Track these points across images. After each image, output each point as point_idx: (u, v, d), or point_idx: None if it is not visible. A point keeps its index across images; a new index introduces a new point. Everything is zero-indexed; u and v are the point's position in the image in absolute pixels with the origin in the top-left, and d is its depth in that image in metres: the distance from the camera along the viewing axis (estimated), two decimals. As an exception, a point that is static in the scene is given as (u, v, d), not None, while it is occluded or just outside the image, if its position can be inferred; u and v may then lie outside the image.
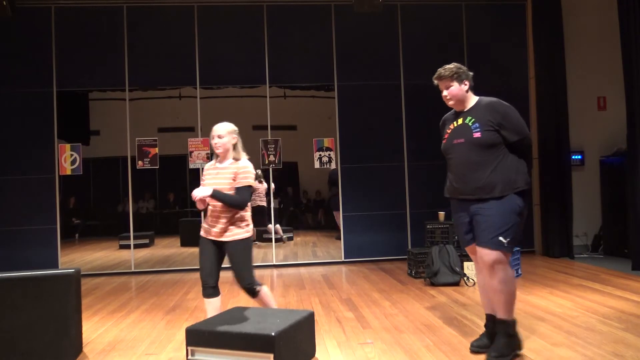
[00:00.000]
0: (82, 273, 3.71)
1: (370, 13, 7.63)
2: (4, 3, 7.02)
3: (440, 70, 3.37)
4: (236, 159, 3.61)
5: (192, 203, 8.70)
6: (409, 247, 7.67)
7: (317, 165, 7.83)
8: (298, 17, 7.86)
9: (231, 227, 3.59)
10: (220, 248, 3.64)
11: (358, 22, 7.83)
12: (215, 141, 3.60)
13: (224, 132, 3.61)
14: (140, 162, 7.55)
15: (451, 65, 3.36)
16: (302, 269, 7.35)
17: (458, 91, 3.33)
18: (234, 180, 3.54)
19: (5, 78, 7.38)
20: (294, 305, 5.05)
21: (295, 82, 7.97)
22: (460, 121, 3.34)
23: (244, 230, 3.62)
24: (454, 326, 4.10)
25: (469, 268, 5.80)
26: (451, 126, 3.41)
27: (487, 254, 3.16)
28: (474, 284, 5.67)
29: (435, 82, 3.41)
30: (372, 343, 3.76)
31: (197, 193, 3.47)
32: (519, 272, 6.14)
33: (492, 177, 3.16)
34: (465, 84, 3.34)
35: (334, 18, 7.89)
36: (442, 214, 6.63)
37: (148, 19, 7.65)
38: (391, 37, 7.96)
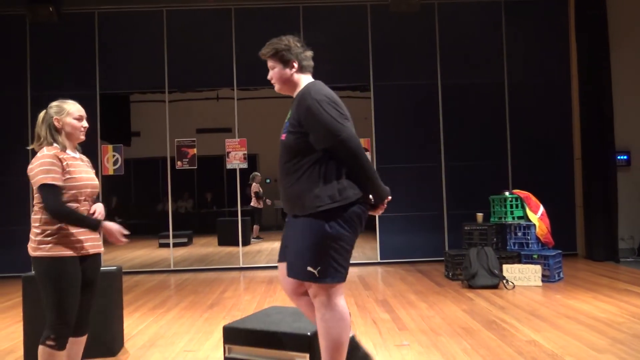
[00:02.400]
0: (123, 270, 3.80)
1: (407, 12, 7.57)
2: (51, 9, 7.29)
3: (265, 46, 2.69)
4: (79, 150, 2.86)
5: (230, 202, 8.75)
6: (446, 248, 7.56)
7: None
8: (334, 18, 7.86)
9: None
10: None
11: (394, 21, 7.78)
12: (86, 124, 2.81)
13: None
14: (179, 163, 7.70)
15: (276, 40, 2.67)
16: (338, 270, 7.34)
17: (282, 74, 2.65)
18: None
19: (52, 81, 7.65)
20: (329, 306, 5.05)
21: (331, 82, 7.93)
22: (288, 114, 2.66)
23: None
24: (493, 330, 4.02)
25: (508, 271, 5.69)
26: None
27: (301, 286, 2.59)
28: (514, 287, 5.54)
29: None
30: (408, 345, 3.72)
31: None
32: (561, 275, 5.98)
33: (295, 190, 2.51)
34: (293, 66, 2.64)
35: (369, 18, 7.85)
36: (480, 215, 6.51)
37: (187, 22, 7.80)
38: (428, 36, 7.87)
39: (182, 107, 7.98)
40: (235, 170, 7.79)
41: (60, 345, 2.56)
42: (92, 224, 2.62)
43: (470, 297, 5.22)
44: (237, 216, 7.89)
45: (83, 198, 2.67)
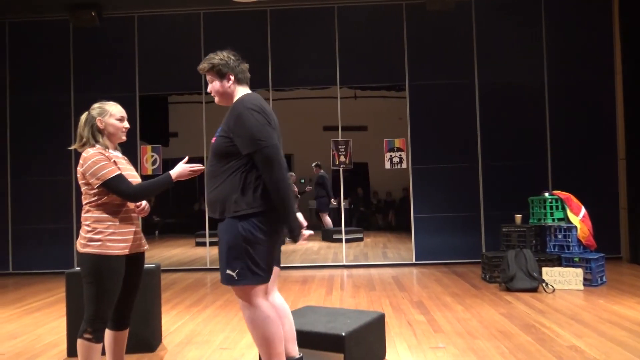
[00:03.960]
0: (161, 268, 3.88)
1: (443, 11, 7.48)
2: (93, 13, 7.52)
3: (202, 61, 2.86)
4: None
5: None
6: (483, 250, 7.43)
7: (387, 165, 7.77)
8: (369, 17, 7.83)
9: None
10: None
11: (430, 20, 7.70)
12: (127, 125, 2.90)
13: None
14: (215, 163, 7.80)
15: (212, 55, 2.84)
16: (372, 270, 7.32)
17: (220, 87, 2.81)
18: None
19: (94, 84, 7.88)
20: (364, 306, 5.03)
21: (366, 82, 7.94)
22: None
23: None
24: (531, 334, 3.92)
25: (548, 274, 5.54)
26: None
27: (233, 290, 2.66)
28: (554, 290, 5.40)
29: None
30: (444, 347, 3.67)
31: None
32: (604, 279, 5.79)
33: (215, 193, 2.62)
34: (230, 78, 2.80)
35: (405, 17, 7.79)
36: (518, 216, 6.37)
37: (223, 24, 7.91)
38: (465, 34, 7.75)
39: (219, 108, 8.06)
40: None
41: (98, 338, 2.65)
42: (167, 182, 2.84)
43: (508, 300, 5.11)
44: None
45: None
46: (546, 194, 6.24)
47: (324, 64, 7.84)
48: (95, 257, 2.63)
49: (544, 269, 5.58)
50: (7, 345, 4.05)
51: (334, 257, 7.95)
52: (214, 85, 2.82)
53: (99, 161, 2.66)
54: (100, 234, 2.65)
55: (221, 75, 2.79)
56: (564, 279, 5.52)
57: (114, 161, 2.72)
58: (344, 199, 8.02)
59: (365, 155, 8.14)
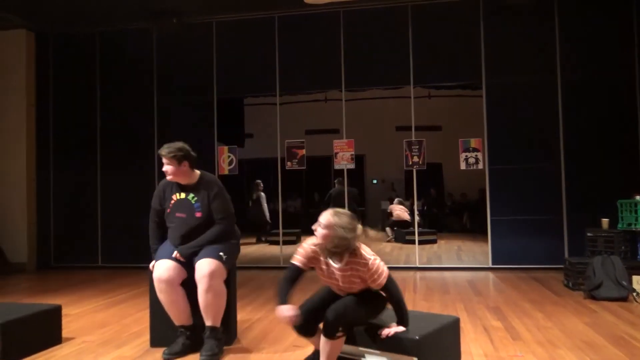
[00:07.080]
0: (237, 265, 4.00)
1: (522, 5, 7.18)
2: (174, 21, 7.88)
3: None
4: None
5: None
6: (566, 255, 7.05)
7: (462, 166, 7.55)
8: (443, 16, 7.65)
9: None
10: None
11: (508, 15, 7.40)
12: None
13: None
14: (289, 163, 7.95)
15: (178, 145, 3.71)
16: (446, 273, 7.15)
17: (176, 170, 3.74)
18: None
19: (175, 88, 8.26)
20: (437, 310, 4.93)
21: (441, 81, 7.78)
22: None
23: None
24: (621, 346, 3.67)
25: (639, 283, 5.17)
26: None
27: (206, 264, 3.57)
28: (645, 300, 5.04)
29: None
30: (522, 356, 3.52)
31: None
32: None
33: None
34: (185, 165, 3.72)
35: (482, 14, 7.55)
36: (605, 220, 5.99)
37: (297, 27, 8.03)
38: (547, 30, 7.38)
39: (292, 109, 8.23)
40: (342, 170, 7.88)
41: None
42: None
43: (594, 309, 4.82)
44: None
45: None
46: (638, 197, 5.83)
47: (397, 63, 7.75)
48: None
49: (635, 278, 5.21)
50: (96, 333, 4.34)
51: (406, 259, 7.85)
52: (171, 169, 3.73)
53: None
54: None
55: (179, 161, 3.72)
56: (657, 289, 5.13)
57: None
58: (417, 200, 7.89)
59: (439, 155, 7.98)
